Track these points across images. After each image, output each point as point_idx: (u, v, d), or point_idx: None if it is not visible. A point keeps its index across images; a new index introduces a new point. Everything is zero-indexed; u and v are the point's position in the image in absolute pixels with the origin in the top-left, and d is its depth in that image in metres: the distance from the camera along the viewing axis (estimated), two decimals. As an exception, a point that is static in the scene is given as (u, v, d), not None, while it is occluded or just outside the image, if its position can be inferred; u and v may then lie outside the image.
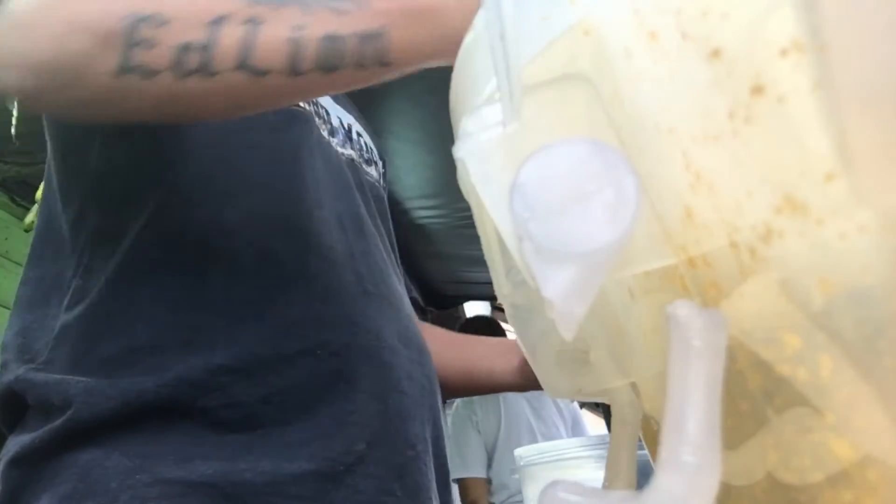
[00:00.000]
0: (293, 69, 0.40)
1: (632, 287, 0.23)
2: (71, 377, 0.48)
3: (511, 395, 2.23)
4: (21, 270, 0.58)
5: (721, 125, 0.18)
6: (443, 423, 0.63)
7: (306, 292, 0.53)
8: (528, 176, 0.18)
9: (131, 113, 0.43)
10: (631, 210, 0.17)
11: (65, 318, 0.51)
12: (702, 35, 0.18)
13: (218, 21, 0.40)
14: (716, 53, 0.18)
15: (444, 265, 2.78)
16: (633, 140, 0.20)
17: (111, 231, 0.52)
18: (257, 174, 0.56)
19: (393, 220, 0.74)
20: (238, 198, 0.54)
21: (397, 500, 0.51)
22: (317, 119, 0.63)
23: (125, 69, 0.39)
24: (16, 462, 0.48)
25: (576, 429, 2.31)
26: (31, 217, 1.66)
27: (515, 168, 0.18)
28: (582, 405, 2.58)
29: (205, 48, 0.39)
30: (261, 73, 0.40)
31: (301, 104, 0.61)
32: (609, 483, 0.25)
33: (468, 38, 0.24)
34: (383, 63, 0.42)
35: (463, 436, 2.24)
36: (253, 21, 0.40)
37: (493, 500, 2.17)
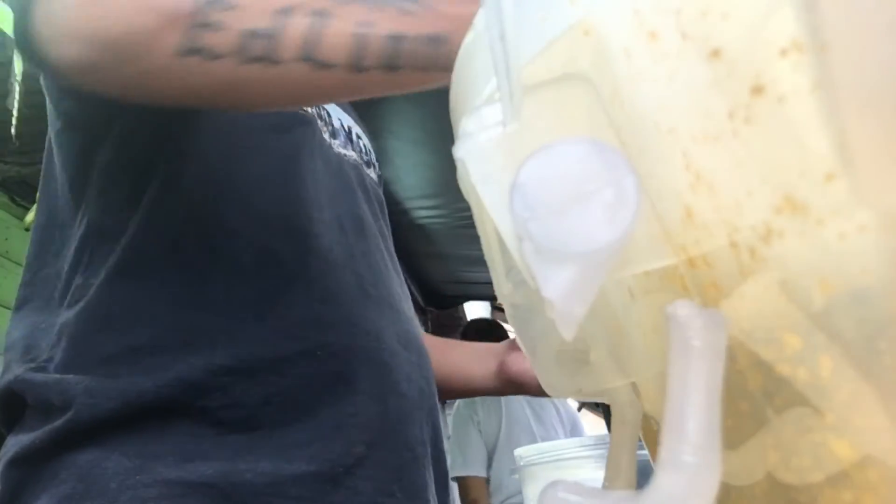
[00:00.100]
0: (356, 65, 0.40)
1: (632, 287, 0.23)
2: (71, 377, 0.48)
3: (513, 397, 2.24)
4: (21, 270, 0.58)
5: (721, 125, 0.18)
6: (441, 425, 0.63)
7: (306, 293, 0.54)
8: (528, 176, 0.18)
9: (189, 96, 0.43)
10: (631, 210, 0.17)
11: (65, 315, 0.51)
12: (702, 35, 0.18)
13: (286, 11, 0.39)
14: (716, 53, 0.18)
15: (444, 265, 2.78)
16: (633, 140, 0.20)
17: (112, 229, 0.52)
18: (258, 175, 0.56)
19: (393, 220, 0.75)
20: (239, 198, 0.54)
21: (396, 502, 0.51)
22: (319, 121, 0.63)
23: (188, 50, 0.39)
24: (15, 462, 0.48)
25: (574, 433, 2.33)
26: (31, 217, 1.66)
27: (515, 168, 0.18)
28: (582, 405, 2.59)
29: (270, 36, 0.39)
30: (324, 65, 0.40)
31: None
32: (609, 483, 0.25)
33: (468, 38, 0.24)
34: (444, 67, 0.41)
35: (464, 435, 2.25)
36: (320, 14, 0.40)
37: (490, 500, 2.18)
